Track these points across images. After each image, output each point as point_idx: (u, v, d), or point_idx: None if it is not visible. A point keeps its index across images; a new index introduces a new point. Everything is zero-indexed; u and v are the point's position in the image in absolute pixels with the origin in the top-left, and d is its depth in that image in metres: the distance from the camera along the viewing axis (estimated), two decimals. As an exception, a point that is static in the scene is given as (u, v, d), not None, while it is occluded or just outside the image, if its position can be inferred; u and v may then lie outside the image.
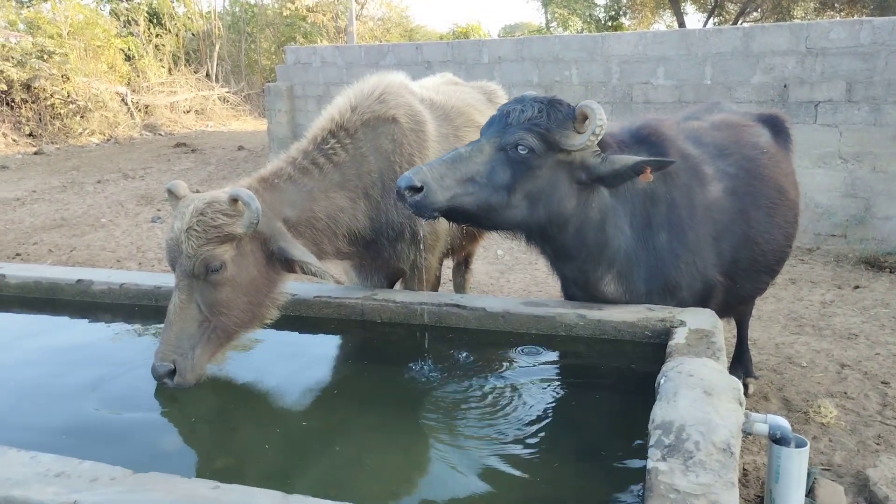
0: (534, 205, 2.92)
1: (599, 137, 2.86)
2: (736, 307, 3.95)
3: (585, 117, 2.86)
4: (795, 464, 2.02)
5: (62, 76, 18.65)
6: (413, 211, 2.79)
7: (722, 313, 3.32)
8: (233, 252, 2.80)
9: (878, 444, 3.74)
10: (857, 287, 6.51)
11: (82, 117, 19.09)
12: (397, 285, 3.98)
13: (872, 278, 6.77)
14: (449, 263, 5.31)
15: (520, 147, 2.84)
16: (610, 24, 30.03)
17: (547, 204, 2.93)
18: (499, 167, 2.85)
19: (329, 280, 3.05)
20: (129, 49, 22.50)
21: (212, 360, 2.88)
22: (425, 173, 2.75)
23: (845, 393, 4.32)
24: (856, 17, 9.27)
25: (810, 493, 2.99)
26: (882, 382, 4.44)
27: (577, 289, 3.23)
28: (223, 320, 2.82)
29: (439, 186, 2.75)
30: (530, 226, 2.99)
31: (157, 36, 24.49)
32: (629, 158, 2.91)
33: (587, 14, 31.58)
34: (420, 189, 2.72)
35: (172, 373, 2.70)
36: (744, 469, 3.43)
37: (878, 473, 3.31)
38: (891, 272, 6.87)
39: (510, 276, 7.19)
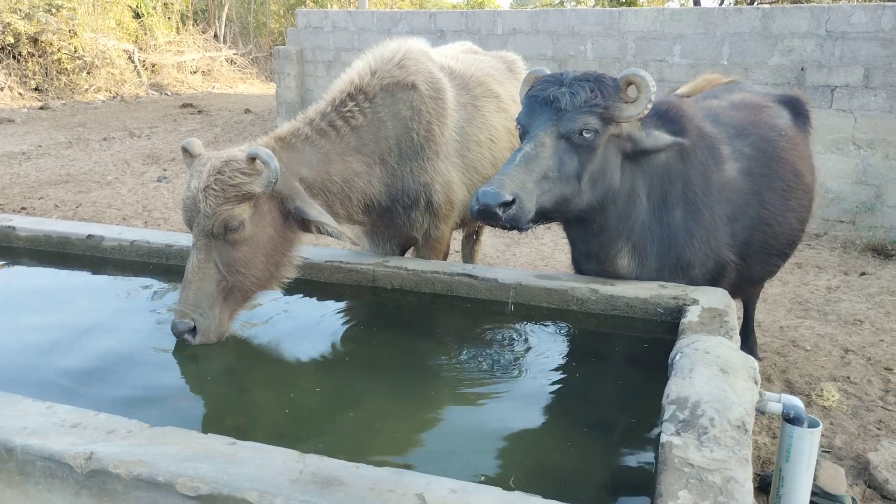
0: (595, 185, 2.87)
1: (656, 103, 2.83)
2: (745, 289, 3.95)
3: (629, 84, 2.82)
4: (807, 444, 2.04)
5: (69, 31, 18.46)
6: (508, 227, 2.64)
7: (732, 294, 3.32)
8: (250, 211, 2.79)
9: (879, 428, 3.77)
10: (863, 274, 6.50)
11: (89, 73, 18.93)
12: (408, 253, 3.98)
13: (879, 266, 6.76)
14: (457, 235, 5.30)
15: (584, 132, 2.76)
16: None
17: (603, 181, 2.89)
18: (566, 157, 2.77)
19: (346, 240, 3.04)
20: (137, 6, 22.23)
21: (233, 318, 2.89)
22: (510, 184, 2.60)
23: (848, 377, 4.34)
24: (878, 2, 9.12)
25: (812, 474, 3.02)
26: (885, 368, 4.46)
27: (594, 263, 3.21)
28: (241, 279, 2.82)
29: (525, 193, 2.63)
30: (591, 207, 2.92)
31: (165, -7, 24.20)
32: (669, 137, 2.91)
33: (602, -12, 31.09)
34: (512, 202, 2.59)
35: (193, 330, 2.71)
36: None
37: (878, 457, 3.33)
38: (898, 261, 6.86)
39: (516, 249, 7.19)
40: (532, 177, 2.67)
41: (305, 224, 2.96)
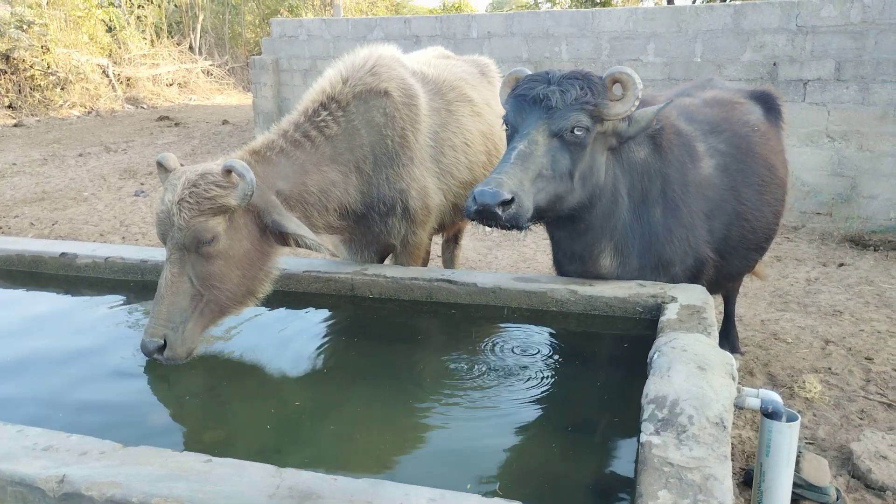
0: (584, 183, 2.86)
1: (640, 100, 2.82)
2: (725, 284, 3.97)
3: (615, 83, 2.82)
4: (786, 438, 2.04)
5: (42, 47, 18.25)
6: (508, 227, 2.59)
7: (711, 290, 3.33)
8: (226, 224, 2.76)
9: (861, 418, 3.80)
10: (841, 265, 6.56)
11: (63, 89, 18.73)
12: (387, 260, 3.96)
13: (857, 256, 6.83)
14: (438, 239, 5.29)
15: (576, 129, 2.75)
16: (599, 0, 29.76)
17: (591, 179, 2.89)
18: (558, 154, 2.75)
19: (325, 253, 3.02)
20: (110, 20, 22.03)
21: (203, 334, 2.85)
22: (509, 182, 2.56)
23: (829, 369, 4.37)
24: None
25: (796, 466, 3.03)
26: (866, 358, 4.50)
27: (578, 263, 3.20)
28: (216, 294, 2.78)
29: (524, 192, 2.59)
30: (580, 205, 2.90)
31: (138, 7, 23.99)
32: (648, 112, 2.90)
33: (576, -10, 31.27)
34: (511, 201, 2.55)
35: (162, 348, 2.66)
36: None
37: (861, 447, 3.35)
38: (875, 250, 6.93)
39: (498, 252, 7.19)
40: (528, 175, 2.65)
41: (283, 237, 2.93)
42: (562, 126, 2.75)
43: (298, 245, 2.95)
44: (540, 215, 2.80)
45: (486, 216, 2.55)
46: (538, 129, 2.75)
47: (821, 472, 3.10)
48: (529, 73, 3.01)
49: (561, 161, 2.75)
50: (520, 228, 2.65)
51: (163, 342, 2.65)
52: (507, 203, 2.53)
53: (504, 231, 2.68)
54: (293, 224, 2.91)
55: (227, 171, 2.74)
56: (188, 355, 2.74)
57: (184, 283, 2.72)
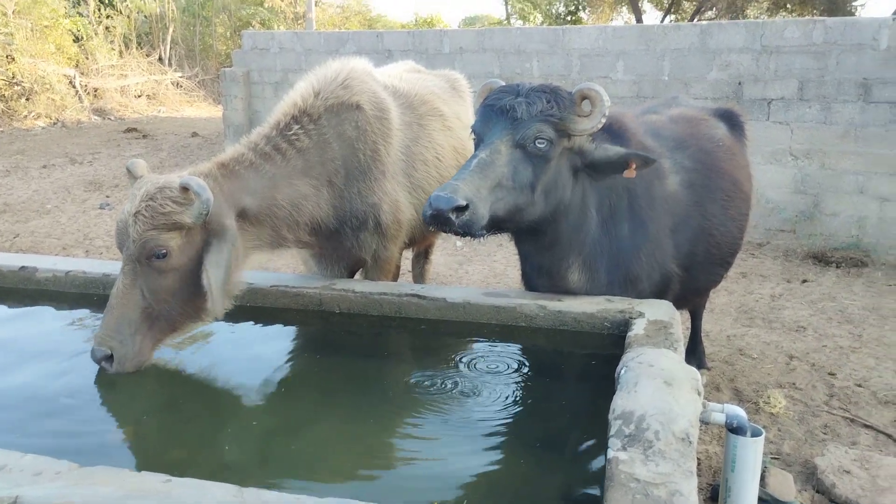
0: (547, 197, 2.85)
1: (606, 119, 2.83)
2: (691, 299, 4.01)
3: (584, 99, 2.84)
4: (751, 453, 2.05)
5: (7, 56, 17.92)
6: (461, 233, 2.59)
7: (678, 305, 3.36)
8: (180, 240, 2.71)
9: (825, 433, 3.85)
10: (805, 281, 6.69)
11: (28, 99, 18.37)
12: (357, 275, 3.93)
13: (820, 272, 6.96)
14: (408, 254, 5.27)
15: (538, 141, 2.75)
16: (569, 18, 30.21)
17: (556, 193, 2.88)
18: (520, 165, 2.75)
19: (214, 309, 2.79)
20: (77, 30, 21.71)
21: (157, 348, 2.80)
22: (464, 189, 2.56)
23: (794, 384, 4.43)
24: (809, 17, 9.48)
25: (761, 481, 3.06)
26: (829, 374, 4.57)
27: (546, 278, 3.21)
28: (167, 308, 2.75)
29: (480, 200, 2.59)
30: (543, 219, 2.90)
31: (107, 17, 23.68)
32: (620, 149, 2.91)
33: (547, 7, 31.72)
34: (466, 207, 2.54)
35: (110, 358, 2.63)
36: (696, 457, 3.49)
37: (825, 462, 3.39)
38: (837, 267, 7.08)
39: (469, 267, 7.19)
40: (487, 183, 2.65)
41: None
42: (524, 136, 2.76)
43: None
44: (499, 225, 2.80)
45: (439, 221, 2.55)
46: (502, 139, 2.76)
47: (786, 486, 3.13)
48: (503, 84, 3.03)
49: (522, 172, 2.75)
50: (473, 235, 2.66)
51: (110, 352, 2.62)
52: (461, 209, 2.53)
53: (459, 237, 2.68)
54: (215, 257, 2.74)
55: (184, 188, 2.70)
56: (137, 368, 2.70)
57: (135, 295, 2.69)
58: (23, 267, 3.65)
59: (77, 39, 21.76)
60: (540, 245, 3.09)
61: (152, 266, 2.69)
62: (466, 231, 2.59)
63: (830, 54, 7.51)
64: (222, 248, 2.80)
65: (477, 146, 2.92)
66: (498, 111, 2.83)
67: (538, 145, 2.76)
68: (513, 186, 2.73)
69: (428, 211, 2.56)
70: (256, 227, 3.05)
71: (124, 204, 2.77)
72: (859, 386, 4.39)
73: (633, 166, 2.86)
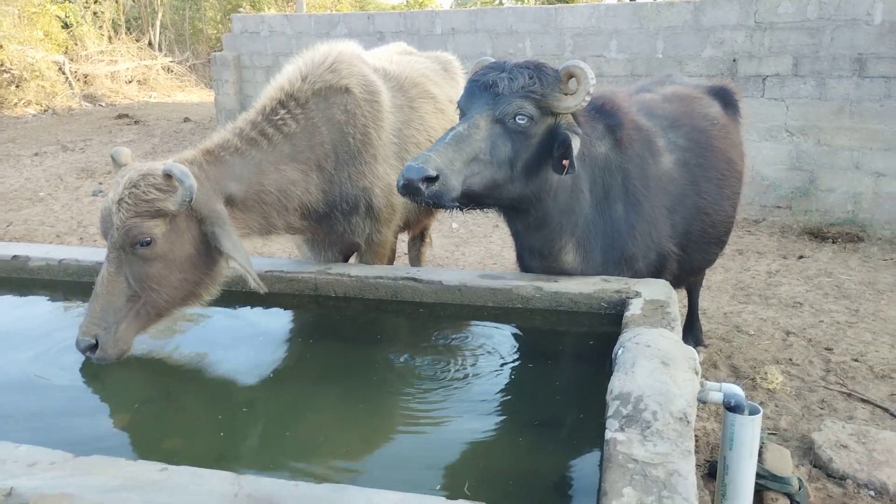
0: (528, 175, 2.83)
1: (591, 97, 2.80)
2: (687, 278, 4.01)
3: (570, 77, 2.81)
4: (749, 431, 2.05)
5: (-6, 43, 17.73)
6: (431, 204, 2.60)
7: (674, 284, 3.36)
8: (164, 228, 2.69)
9: (821, 408, 3.87)
10: (801, 257, 6.69)
11: (17, 87, 18.18)
12: (352, 260, 3.91)
13: (816, 248, 6.97)
14: (404, 237, 5.25)
15: (518, 117, 2.73)
16: (562, -4, 29.92)
17: (538, 172, 2.85)
18: (499, 141, 2.73)
19: (259, 287, 2.87)
20: (65, 16, 21.45)
21: (142, 333, 2.80)
22: (436, 160, 2.55)
23: (790, 360, 4.44)
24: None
25: (759, 457, 3.06)
26: (825, 349, 4.59)
27: (538, 259, 3.19)
28: (153, 296, 2.73)
29: (452, 171, 2.58)
30: (524, 197, 2.88)
31: (95, 2, 23.40)
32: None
33: (540, -14, 31.38)
34: (436, 178, 2.53)
35: (94, 347, 2.62)
36: (694, 436, 3.51)
37: (822, 437, 3.41)
38: (833, 242, 7.08)
39: (465, 249, 7.18)
40: (461, 156, 2.63)
41: (219, 251, 2.82)
42: (504, 111, 2.73)
43: (230, 265, 2.86)
44: (476, 200, 2.78)
45: (410, 190, 2.55)
46: (482, 114, 2.75)
47: (783, 462, 3.14)
48: (494, 60, 3.01)
49: (501, 148, 2.73)
50: (444, 207, 2.67)
51: (94, 341, 2.61)
52: (431, 179, 2.53)
53: (429, 206, 2.65)
54: (230, 242, 2.80)
55: (167, 176, 2.67)
56: (120, 356, 2.69)
57: (120, 282, 2.68)
58: (15, 256, 3.62)
59: (65, 25, 21.50)
60: (529, 224, 3.07)
61: (137, 254, 2.67)
62: (436, 202, 2.60)
63: (825, 30, 7.45)
64: (229, 232, 2.81)
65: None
66: (481, 86, 2.82)
67: (518, 121, 2.74)
68: (490, 161, 2.71)
69: (400, 181, 2.57)
70: (245, 214, 3.02)
71: (109, 191, 2.74)
72: (856, 361, 4.41)
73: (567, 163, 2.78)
